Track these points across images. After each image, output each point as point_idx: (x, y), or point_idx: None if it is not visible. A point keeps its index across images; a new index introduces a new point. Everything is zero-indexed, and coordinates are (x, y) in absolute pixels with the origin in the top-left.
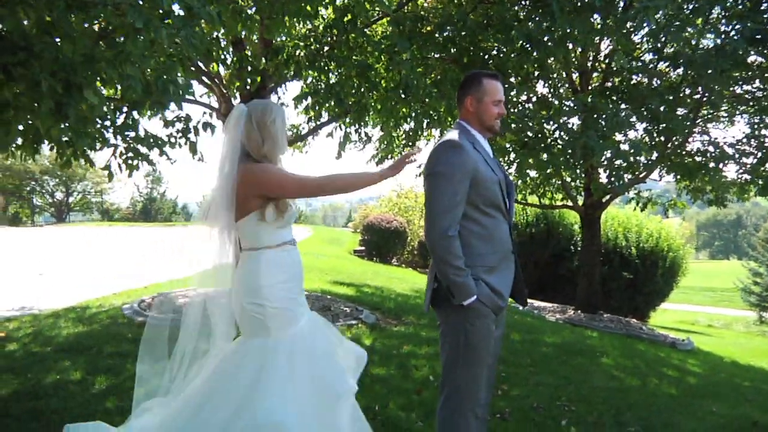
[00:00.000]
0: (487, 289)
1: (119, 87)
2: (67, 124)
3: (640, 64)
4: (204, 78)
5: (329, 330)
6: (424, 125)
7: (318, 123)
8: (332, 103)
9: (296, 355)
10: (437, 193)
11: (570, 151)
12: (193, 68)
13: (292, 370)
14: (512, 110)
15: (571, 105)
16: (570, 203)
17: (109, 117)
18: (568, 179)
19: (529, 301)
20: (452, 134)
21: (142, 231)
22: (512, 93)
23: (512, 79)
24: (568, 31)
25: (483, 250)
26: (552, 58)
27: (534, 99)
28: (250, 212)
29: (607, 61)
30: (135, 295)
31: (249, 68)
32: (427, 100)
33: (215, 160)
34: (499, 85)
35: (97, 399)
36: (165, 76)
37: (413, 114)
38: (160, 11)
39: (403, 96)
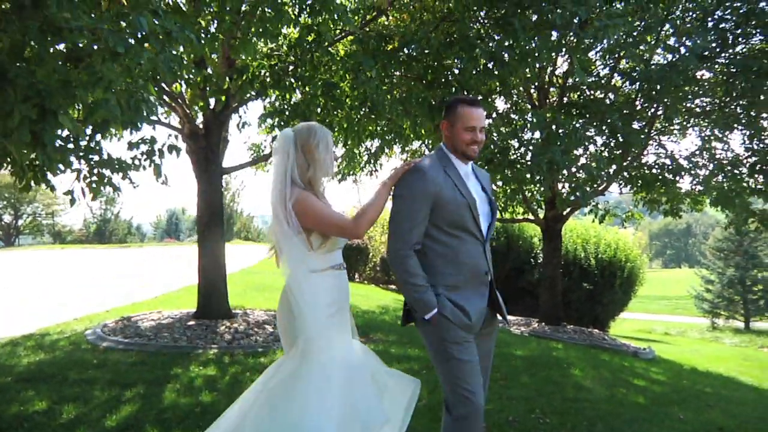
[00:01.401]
0: (449, 304)
1: (79, 109)
2: (41, 151)
3: (596, 79)
4: (165, 97)
5: (372, 360)
6: (390, 142)
7: None
8: (297, 121)
9: (330, 382)
10: (396, 215)
11: (535, 166)
12: (156, 88)
13: (323, 398)
14: None
15: (533, 120)
16: (531, 217)
17: (72, 140)
18: (533, 193)
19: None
20: (424, 158)
21: (96, 253)
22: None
23: (474, 96)
24: (529, 48)
25: (445, 270)
26: (512, 75)
27: (494, 115)
28: (297, 235)
29: (563, 76)
30: (97, 320)
31: (213, 88)
32: (392, 117)
33: (268, 188)
34: (474, 112)
35: (66, 429)
36: (136, 96)
37: (378, 131)
38: (139, 35)
39: (368, 113)
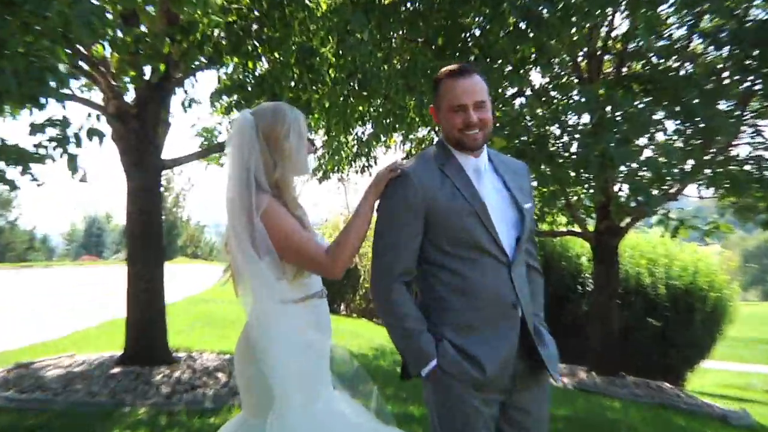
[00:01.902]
0: (452, 351)
1: None
2: None
3: (667, 43)
4: (82, 64)
5: (361, 414)
6: (388, 128)
7: None
8: (263, 100)
9: None
10: (377, 238)
11: (582, 160)
12: (68, 50)
13: None
14: (501, 107)
15: (581, 99)
16: (578, 229)
17: None
18: (579, 197)
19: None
20: (417, 156)
21: None
22: (504, 84)
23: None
24: (576, 1)
25: (456, 305)
26: (553, 39)
27: (528, 92)
28: (263, 257)
29: (622, 40)
30: None
31: (148, 52)
32: (389, 94)
33: (223, 188)
34: (460, 84)
35: None
36: (40, 62)
37: (372, 112)
38: None
39: (357, 89)
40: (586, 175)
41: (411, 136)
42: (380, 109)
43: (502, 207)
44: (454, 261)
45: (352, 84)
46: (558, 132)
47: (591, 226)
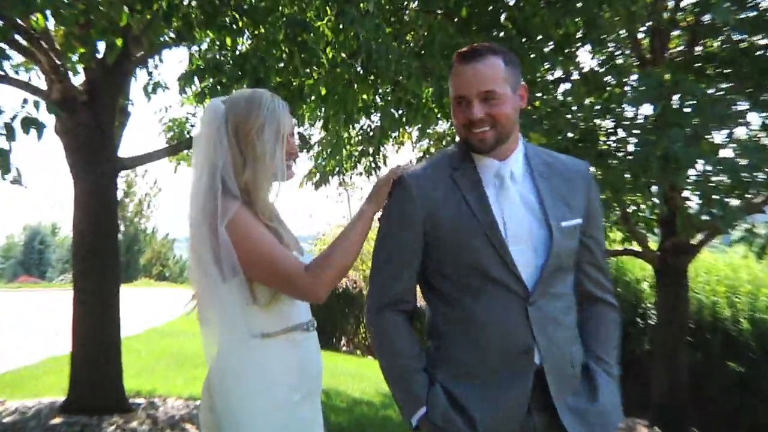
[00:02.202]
0: (443, 399)
1: None
2: None
3: (750, 15)
4: (19, 39)
5: None
6: (399, 121)
7: None
8: (245, 85)
9: None
10: (375, 255)
11: (640, 162)
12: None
13: None
14: (540, 96)
15: (640, 85)
16: (636, 247)
17: None
18: (638, 208)
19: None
20: (431, 157)
21: None
22: (544, 67)
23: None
24: None
25: (454, 343)
26: (605, 9)
27: (575, 76)
28: (227, 280)
29: (693, 12)
30: None
31: (102, 24)
32: (401, 78)
33: (188, 189)
34: (464, 70)
35: None
36: None
37: (379, 102)
38: None
39: (361, 73)
40: (646, 180)
41: (428, 131)
42: (389, 98)
43: (528, 225)
44: (455, 289)
45: (354, 66)
46: (611, 126)
47: (654, 243)
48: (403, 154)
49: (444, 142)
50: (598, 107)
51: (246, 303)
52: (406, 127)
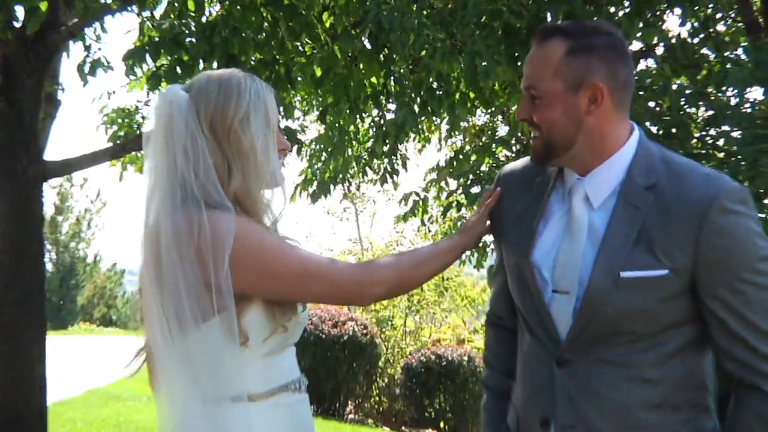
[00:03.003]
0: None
1: None
2: None
3: None
4: None
5: None
6: (422, 114)
7: None
8: (215, 64)
9: None
10: None
11: (745, 161)
12: None
13: None
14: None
15: (748, 61)
16: None
17: None
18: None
19: None
20: None
21: None
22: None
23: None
24: None
25: (519, 375)
26: None
27: (661, 50)
28: (206, 319)
29: None
30: None
31: None
32: (421, 55)
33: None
34: (528, 55)
35: None
36: None
37: (393, 86)
38: None
39: (370, 48)
40: (755, 190)
41: (462, 124)
42: (407, 81)
43: (580, 264)
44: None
45: (360, 39)
46: (708, 116)
47: None
48: (426, 155)
49: (483, 139)
50: (689, 91)
51: (233, 345)
52: (434, 119)
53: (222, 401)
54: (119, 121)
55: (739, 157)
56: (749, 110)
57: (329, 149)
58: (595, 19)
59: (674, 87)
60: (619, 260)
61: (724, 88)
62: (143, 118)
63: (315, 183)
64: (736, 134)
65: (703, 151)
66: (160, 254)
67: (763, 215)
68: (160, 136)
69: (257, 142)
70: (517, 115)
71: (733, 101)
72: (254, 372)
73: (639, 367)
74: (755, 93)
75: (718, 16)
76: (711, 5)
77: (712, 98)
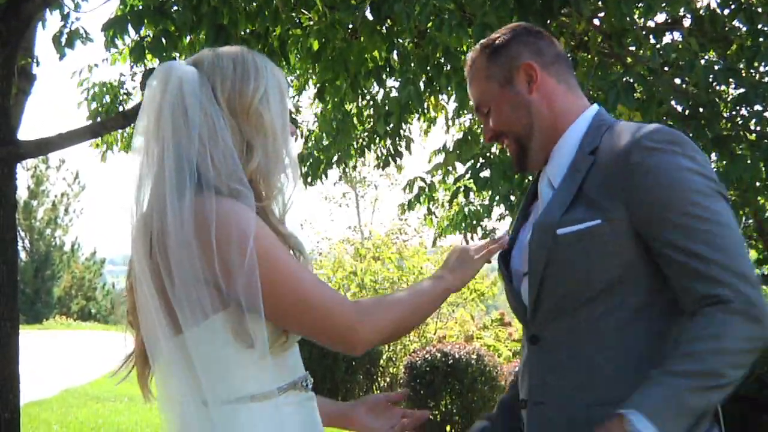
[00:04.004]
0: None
1: None
2: None
3: None
4: None
5: None
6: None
7: None
8: (201, 35)
9: None
10: None
11: None
12: None
13: None
14: (633, 51)
15: None
16: None
17: None
18: None
19: None
20: None
21: None
22: (638, 10)
23: None
24: None
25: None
26: None
27: (688, 23)
28: (207, 316)
29: None
30: None
31: None
32: (427, 28)
33: (124, 188)
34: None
35: None
36: None
37: (396, 62)
38: None
39: (371, 20)
40: None
41: (464, 113)
42: (411, 56)
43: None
44: None
45: (361, 10)
46: (738, 95)
47: None
48: (433, 138)
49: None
50: (718, 67)
51: (236, 344)
52: (441, 97)
53: (225, 402)
54: (100, 97)
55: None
56: None
57: (333, 132)
58: None
59: (702, 63)
60: (555, 220)
61: (756, 64)
62: (127, 94)
63: (310, 166)
64: None
65: (733, 133)
66: (158, 246)
67: None
68: (163, 115)
69: (276, 119)
70: (485, 138)
71: (767, 79)
72: (258, 371)
73: (600, 335)
74: None
75: None
76: None
77: (743, 75)
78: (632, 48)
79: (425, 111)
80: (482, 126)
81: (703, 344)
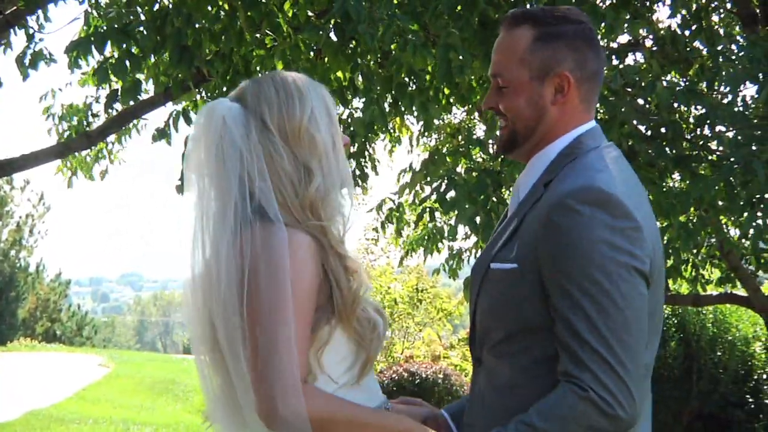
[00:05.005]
0: None
1: None
2: None
3: None
4: None
5: None
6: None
7: (128, 106)
8: (166, 54)
9: None
10: None
11: (738, 167)
12: None
13: None
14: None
15: (744, 55)
16: (741, 292)
17: None
18: (745, 239)
19: None
20: None
21: None
22: (600, 31)
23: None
24: None
25: None
26: None
27: (650, 42)
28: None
29: None
30: None
31: None
32: (391, 48)
33: (179, 233)
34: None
35: None
36: None
37: (360, 81)
38: None
39: (336, 40)
40: (749, 194)
41: (437, 121)
42: (375, 77)
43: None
44: None
45: (325, 30)
46: (699, 112)
47: (767, 287)
48: (399, 158)
49: (459, 138)
50: (680, 88)
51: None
52: (406, 117)
53: None
54: (68, 118)
55: (732, 160)
56: (743, 109)
57: None
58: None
59: (663, 84)
60: (491, 252)
61: (716, 85)
62: (93, 115)
63: None
64: (731, 134)
65: (695, 153)
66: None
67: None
68: (208, 155)
69: (327, 138)
70: (483, 104)
71: (727, 99)
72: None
73: (515, 372)
74: (750, 90)
75: (712, 7)
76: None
77: (704, 96)
78: None
79: (391, 131)
80: (468, 125)
81: (546, 423)
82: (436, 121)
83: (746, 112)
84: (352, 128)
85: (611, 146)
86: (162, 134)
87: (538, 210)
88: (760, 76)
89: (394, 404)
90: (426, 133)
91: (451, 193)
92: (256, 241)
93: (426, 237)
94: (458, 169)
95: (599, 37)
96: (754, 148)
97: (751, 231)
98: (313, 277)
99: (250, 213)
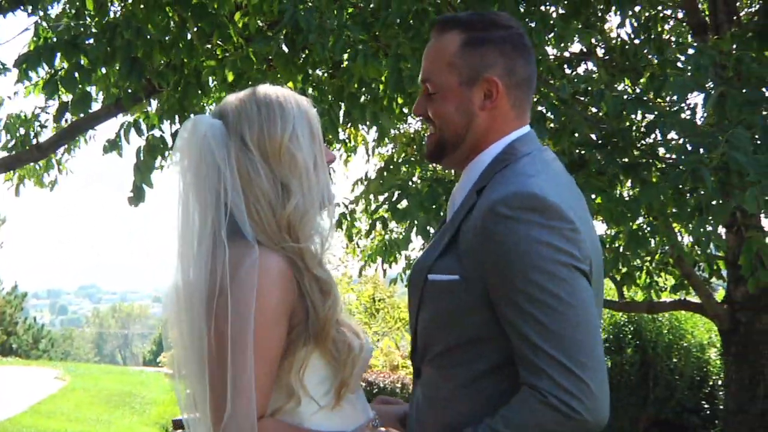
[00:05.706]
0: None
1: None
2: None
3: None
4: None
5: None
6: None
7: (78, 117)
8: (118, 66)
9: None
10: None
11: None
12: None
13: None
14: (548, 80)
15: (695, 63)
16: (694, 299)
17: None
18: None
19: None
20: None
21: None
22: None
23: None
24: None
25: None
26: None
27: (602, 52)
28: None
29: None
30: None
31: None
32: (343, 59)
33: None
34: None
35: None
36: None
37: (310, 91)
38: None
39: (286, 51)
40: (696, 201)
41: (394, 131)
42: (326, 87)
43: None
44: None
45: (276, 41)
46: (649, 123)
47: (720, 294)
48: (355, 167)
49: (414, 147)
50: (629, 97)
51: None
52: (361, 127)
53: None
54: (14, 128)
55: (681, 167)
56: (690, 117)
57: None
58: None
59: (612, 93)
60: (429, 263)
61: (664, 93)
62: (41, 126)
63: None
64: (681, 141)
65: (644, 160)
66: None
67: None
68: (190, 172)
69: (309, 157)
70: (413, 111)
71: (675, 108)
72: (321, 419)
73: (456, 384)
74: (697, 99)
75: (663, 13)
76: (654, 5)
77: (653, 104)
78: (547, 78)
79: (346, 141)
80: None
81: (509, 429)
82: (392, 131)
83: (694, 120)
84: None
85: (546, 150)
86: (113, 145)
87: (473, 218)
88: (710, 84)
89: (374, 405)
90: (381, 143)
91: (404, 203)
92: (227, 261)
93: (383, 247)
94: (414, 179)
95: (549, 47)
96: (701, 152)
97: (702, 238)
98: (281, 302)
99: (225, 231)
